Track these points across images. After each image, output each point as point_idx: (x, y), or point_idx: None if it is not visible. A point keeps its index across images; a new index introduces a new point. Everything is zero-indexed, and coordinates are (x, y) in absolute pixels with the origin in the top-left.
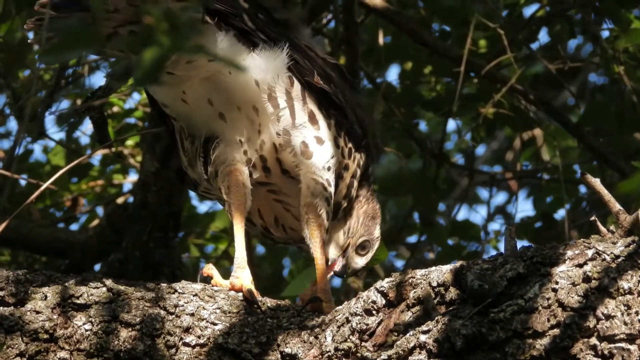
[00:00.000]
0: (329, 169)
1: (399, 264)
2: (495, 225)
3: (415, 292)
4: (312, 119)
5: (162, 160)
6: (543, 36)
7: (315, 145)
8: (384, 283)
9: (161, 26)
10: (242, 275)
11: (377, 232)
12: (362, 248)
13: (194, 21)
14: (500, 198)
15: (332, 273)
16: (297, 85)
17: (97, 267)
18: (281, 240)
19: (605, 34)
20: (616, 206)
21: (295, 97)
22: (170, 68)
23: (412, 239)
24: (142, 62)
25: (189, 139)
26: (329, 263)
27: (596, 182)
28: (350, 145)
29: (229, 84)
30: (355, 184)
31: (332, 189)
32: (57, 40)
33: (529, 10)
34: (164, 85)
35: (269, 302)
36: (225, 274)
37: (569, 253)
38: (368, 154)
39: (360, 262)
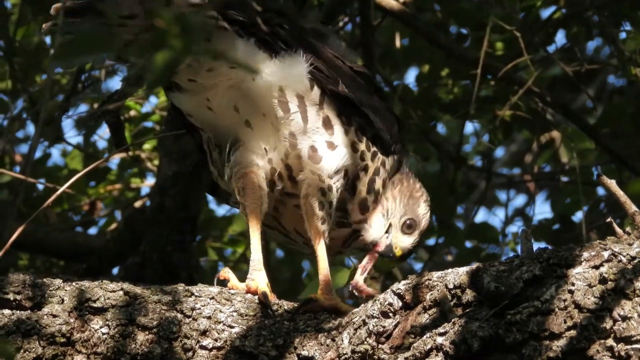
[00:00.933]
0: (337, 172)
1: (418, 266)
2: (514, 228)
3: (431, 294)
4: (327, 124)
5: (195, 172)
6: (560, 38)
7: (325, 149)
8: (401, 285)
9: (173, 29)
10: (258, 278)
11: (421, 210)
12: (407, 227)
13: (206, 25)
14: (518, 200)
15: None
16: (316, 91)
17: (115, 270)
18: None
19: (623, 35)
20: (632, 207)
21: (310, 103)
22: (192, 75)
23: (431, 241)
24: (153, 65)
25: (216, 149)
26: (372, 245)
27: (612, 184)
28: (374, 149)
29: (254, 91)
30: (378, 180)
31: (333, 194)
32: (71, 44)
33: (545, 13)
34: (187, 92)
35: (286, 305)
36: (243, 277)
37: (585, 255)
38: (399, 157)
39: (407, 240)
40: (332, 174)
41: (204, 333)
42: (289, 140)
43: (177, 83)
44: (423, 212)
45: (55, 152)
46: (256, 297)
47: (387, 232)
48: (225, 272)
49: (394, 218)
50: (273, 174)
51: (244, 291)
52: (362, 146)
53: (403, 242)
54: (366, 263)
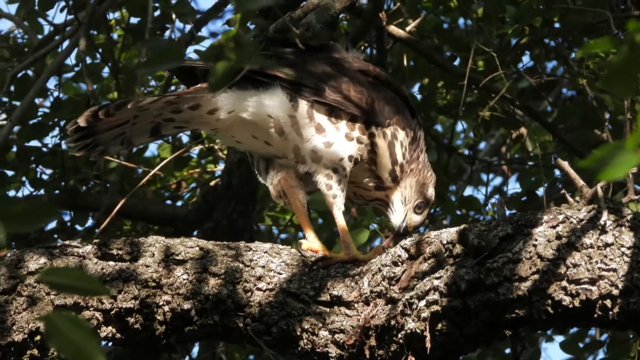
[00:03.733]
0: (340, 159)
1: (421, 229)
2: (493, 201)
3: (430, 248)
4: (319, 129)
5: None
6: (526, 59)
7: (323, 149)
8: (407, 241)
9: (229, 45)
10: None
11: (430, 192)
12: (418, 208)
13: (256, 43)
14: (496, 180)
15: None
16: (302, 108)
17: (195, 233)
18: (360, 202)
19: (573, 55)
20: (580, 182)
21: (300, 118)
22: (211, 127)
23: (431, 210)
24: (215, 72)
25: (254, 158)
26: (395, 230)
27: (565, 164)
28: (370, 130)
29: (256, 123)
30: (398, 152)
31: (340, 174)
32: (153, 57)
33: (515, 39)
34: (219, 136)
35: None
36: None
37: (545, 218)
38: (408, 126)
39: (416, 218)
40: (336, 164)
41: (259, 278)
42: (294, 151)
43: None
44: (431, 193)
45: (152, 146)
46: (294, 250)
47: (404, 220)
48: (305, 245)
49: (410, 203)
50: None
51: (341, 258)
52: (356, 133)
53: (414, 219)
54: (389, 240)
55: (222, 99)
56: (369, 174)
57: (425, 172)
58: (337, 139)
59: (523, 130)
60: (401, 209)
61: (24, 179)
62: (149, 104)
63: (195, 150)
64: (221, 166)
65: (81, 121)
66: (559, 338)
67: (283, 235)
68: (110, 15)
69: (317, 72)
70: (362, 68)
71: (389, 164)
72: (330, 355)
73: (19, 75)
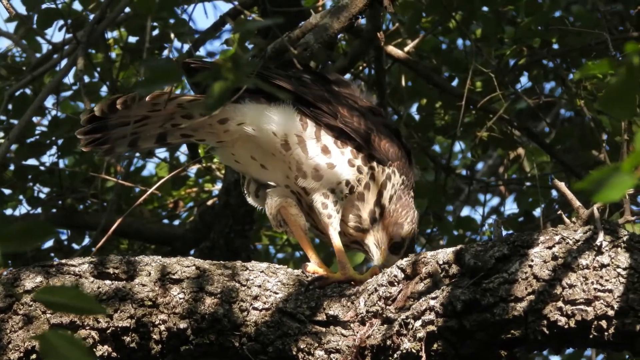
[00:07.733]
0: (338, 183)
1: (418, 249)
2: (490, 221)
3: (426, 268)
4: (325, 150)
5: None
6: (524, 79)
7: (326, 169)
8: (403, 262)
9: (226, 65)
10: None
11: (404, 231)
12: (394, 248)
13: (254, 63)
14: (494, 201)
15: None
16: (311, 128)
17: (192, 252)
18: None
19: (571, 76)
20: (577, 203)
21: (308, 138)
22: (217, 138)
23: (428, 230)
24: (212, 92)
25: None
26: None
27: (561, 185)
28: (371, 164)
29: (260, 140)
30: (386, 194)
31: (337, 195)
32: (150, 76)
33: (513, 60)
34: (219, 150)
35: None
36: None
37: (541, 238)
38: (405, 174)
39: (395, 258)
40: (334, 186)
41: (255, 297)
42: (297, 166)
43: (213, 147)
44: (406, 231)
45: (150, 165)
46: (295, 271)
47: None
48: (309, 267)
49: (384, 245)
50: (296, 194)
51: (337, 278)
52: (358, 162)
53: (392, 259)
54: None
55: (234, 109)
56: (354, 212)
57: (401, 211)
58: (340, 162)
59: (520, 150)
60: (377, 252)
61: (21, 197)
62: (165, 102)
63: (193, 170)
64: (219, 185)
65: (97, 110)
66: (555, 358)
67: (280, 255)
68: (109, 35)
69: (332, 99)
70: (373, 108)
71: (371, 203)
72: None
73: (17, 93)
